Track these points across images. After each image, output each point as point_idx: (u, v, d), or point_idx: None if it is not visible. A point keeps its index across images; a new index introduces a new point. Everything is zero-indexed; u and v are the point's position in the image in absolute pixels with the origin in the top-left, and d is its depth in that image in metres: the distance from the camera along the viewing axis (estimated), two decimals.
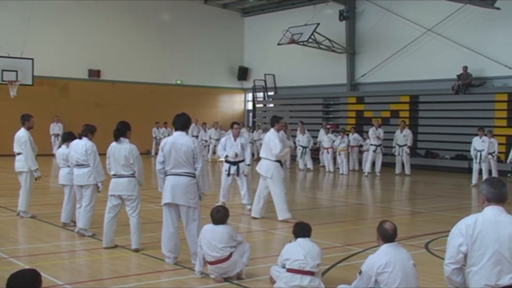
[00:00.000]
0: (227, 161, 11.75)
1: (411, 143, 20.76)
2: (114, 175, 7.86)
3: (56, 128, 25.32)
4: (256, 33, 31.97)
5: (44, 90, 25.81)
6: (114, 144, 7.84)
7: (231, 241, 6.42)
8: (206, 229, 6.51)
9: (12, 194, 11.86)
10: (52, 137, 25.24)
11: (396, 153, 20.78)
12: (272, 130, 10.53)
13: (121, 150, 7.76)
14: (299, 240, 6.16)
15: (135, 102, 28.33)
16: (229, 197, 12.09)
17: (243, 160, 11.68)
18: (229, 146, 11.65)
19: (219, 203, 10.67)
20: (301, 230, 6.27)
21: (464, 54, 22.32)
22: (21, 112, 10.85)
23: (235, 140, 11.66)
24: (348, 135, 21.80)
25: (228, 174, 11.70)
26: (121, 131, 7.84)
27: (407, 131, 20.73)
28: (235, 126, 11.81)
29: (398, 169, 20.81)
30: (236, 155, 11.56)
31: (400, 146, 20.61)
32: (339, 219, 10.86)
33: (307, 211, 12.13)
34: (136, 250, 7.76)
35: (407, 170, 20.56)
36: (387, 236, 5.17)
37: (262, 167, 10.50)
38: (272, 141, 10.32)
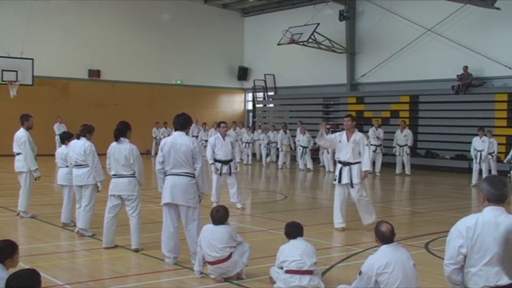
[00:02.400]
0: (217, 161, 11.73)
1: (412, 143, 20.76)
2: (114, 175, 7.85)
3: (61, 129, 25.23)
4: (256, 33, 31.96)
5: (44, 90, 25.82)
6: (114, 144, 7.84)
7: (231, 241, 6.42)
8: (206, 229, 6.50)
9: (12, 194, 11.85)
10: (57, 137, 25.18)
11: (397, 153, 20.78)
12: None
13: (121, 150, 7.76)
14: (293, 240, 6.17)
15: (135, 102, 28.33)
16: (220, 198, 11.86)
17: (231, 160, 11.72)
18: (219, 145, 11.65)
19: (213, 205, 10.67)
20: (293, 231, 6.29)
21: (464, 54, 22.32)
22: (21, 112, 10.86)
23: (224, 139, 11.67)
24: None
25: (220, 174, 11.70)
26: (121, 131, 7.84)
27: (407, 131, 20.73)
28: (222, 125, 11.83)
29: (398, 169, 20.81)
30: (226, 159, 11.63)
31: (400, 146, 20.62)
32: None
33: (307, 211, 12.13)
34: (136, 250, 7.76)
35: (407, 170, 20.56)
36: (384, 238, 5.17)
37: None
38: None
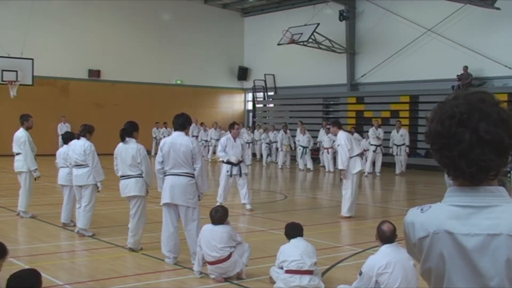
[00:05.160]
0: (228, 162, 11.68)
1: (409, 142, 20.82)
2: (121, 176, 7.82)
3: (64, 128, 25.21)
4: (256, 33, 31.96)
5: (44, 90, 25.80)
6: (121, 144, 7.85)
7: (231, 241, 6.42)
8: (205, 229, 6.51)
9: (12, 194, 11.85)
10: (60, 137, 25.14)
11: (394, 153, 20.82)
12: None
13: (128, 150, 7.75)
14: (293, 240, 6.17)
15: (135, 102, 28.30)
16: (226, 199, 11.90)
17: (242, 161, 11.65)
18: (230, 146, 11.57)
19: (217, 204, 10.63)
20: (293, 231, 6.29)
21: (464, 54, 22.32)
22: (21, 112, 10.87)
23: (234, 140, 11.61)
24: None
25: (230, 175, 11.63)
26: (128, 131, 7.84)
27: (403, 131, 20.81)
28: (236, 126, 11.75)
29: (398, 169, 20.82)
30: (238, 159, 11.52)
31: (397, 146, 20.67)
32: (339, 219, 10.85)
33: (307, 211, 12.13)
34: (131, 250, 7.74)
35: (403, 168, 20.63)
36: (385, 237, 5.17)
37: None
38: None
